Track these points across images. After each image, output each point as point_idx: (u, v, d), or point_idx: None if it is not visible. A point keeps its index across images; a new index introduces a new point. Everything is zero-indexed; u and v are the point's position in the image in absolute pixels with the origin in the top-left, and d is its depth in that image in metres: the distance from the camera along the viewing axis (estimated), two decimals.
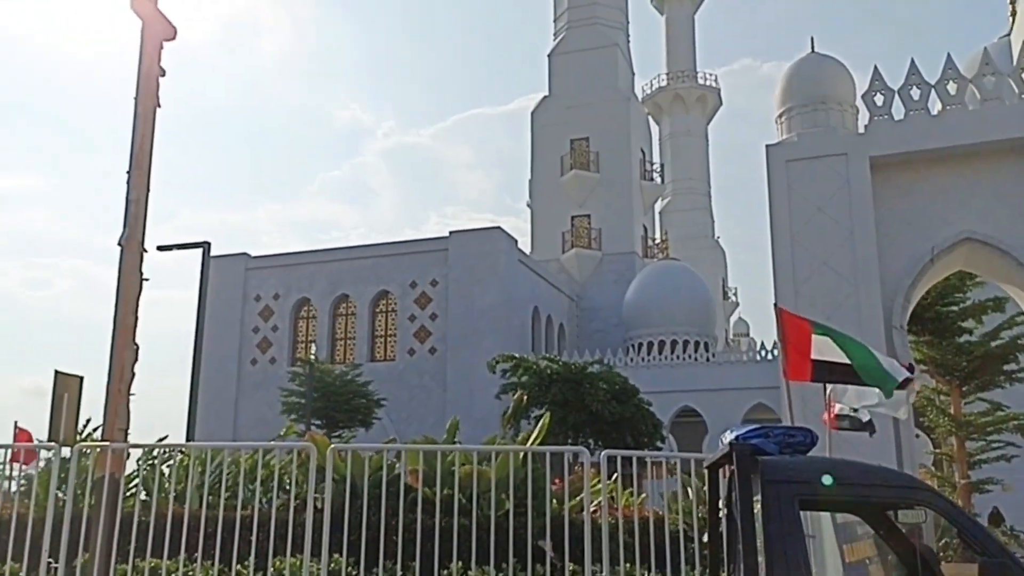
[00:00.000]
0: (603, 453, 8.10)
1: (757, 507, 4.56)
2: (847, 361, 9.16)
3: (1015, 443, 19.88)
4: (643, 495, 11.75)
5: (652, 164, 52.82)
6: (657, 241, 51.86)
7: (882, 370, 9.30)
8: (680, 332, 40.39)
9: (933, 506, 4.45)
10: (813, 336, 9.38)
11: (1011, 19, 23.39)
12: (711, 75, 61.12)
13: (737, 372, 35.94)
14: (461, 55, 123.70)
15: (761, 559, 4.33)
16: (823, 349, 9.38)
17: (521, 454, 9.98)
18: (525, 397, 19.60)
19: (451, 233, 39.44)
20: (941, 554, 12.86)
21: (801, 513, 4.67)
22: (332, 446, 8.17)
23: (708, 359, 37.34)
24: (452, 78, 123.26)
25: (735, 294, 59.48)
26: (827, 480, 4.43)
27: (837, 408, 11.55)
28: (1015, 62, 15.29)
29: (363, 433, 31.18)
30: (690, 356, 37.61)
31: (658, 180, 53.22)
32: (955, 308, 20.23)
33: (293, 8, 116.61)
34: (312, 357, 32.02)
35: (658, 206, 56.34)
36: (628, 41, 53.16)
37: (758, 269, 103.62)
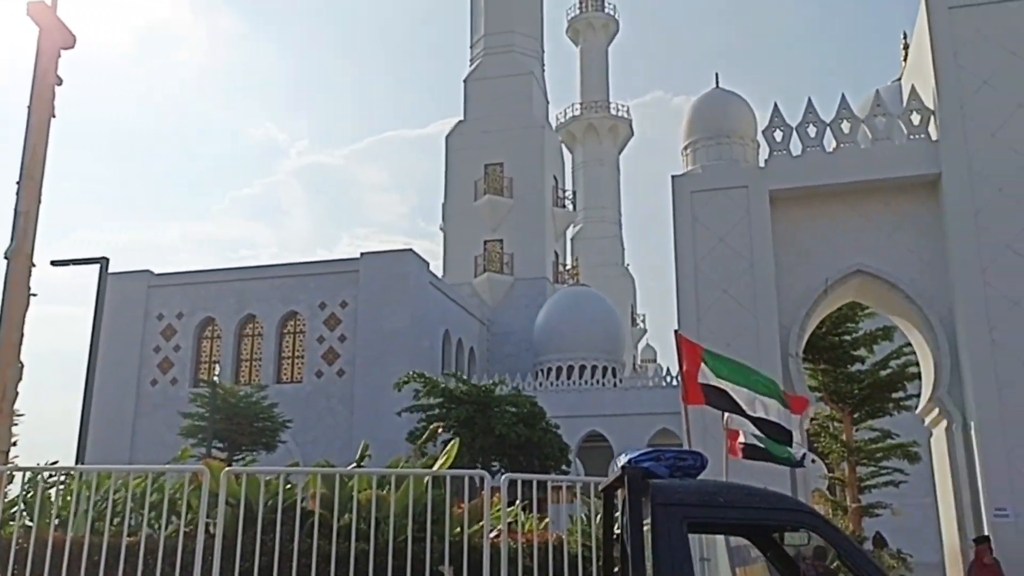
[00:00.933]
0: (504, 477, 8.10)
1: (647, 529, 4.65)
2: (728, 389, 9.42)
3: (902, 469, 20.73)
4: (546, 519, 11.80)
5: (565, 191, 53.55)
6: (568, 267, 52.46)
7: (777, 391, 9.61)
8: (589, 357, 40.85)
9: (815, 529, 4.59)
10: (702, 363, 9.66)
11: (904, 63, 24.64)
12: (623, 106, 62.47)
13: (643, 397, 36.50)
14: (379, 77, 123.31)
15: None
16: (709, 376, 9.67)
17: (425, 478, 9.89)
18: (440, 428, 19.37)
19: (362, 254, 39.11)
20: None
21: (690, 536, 4.77)
22: (227, 469, 7.95)
23: (615, 384, 37.83)
24: (369, 99, 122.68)
25: (643, 321, 60.54)
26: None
27: (742, 437, 11.76)
28: (905, 104, 16.08)
29: (267, 456, 30.45)
30: (598, 381, 38.04)
31: (570, 207, 53.96)
32: (848, 338, 21.08)
33: (212, 21, 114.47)
34: (215, 378, 31.18)
35: (570, 233, 57.06)
36: (543, 70, 53.92)
37: (666, 296, 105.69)
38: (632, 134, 62.55)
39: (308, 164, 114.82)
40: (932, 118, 15.52)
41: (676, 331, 10.42)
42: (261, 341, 39.60)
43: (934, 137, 15.42)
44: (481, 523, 9.01)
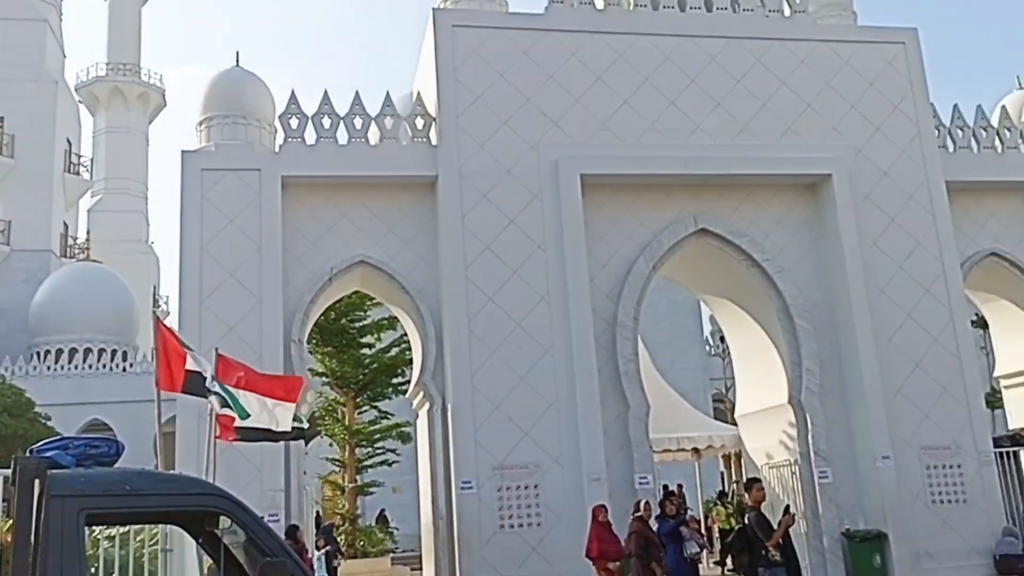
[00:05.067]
0: None
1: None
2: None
3: (395, 449, 22.27)
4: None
5: (80, 157, 48.63)
6: (80, 241, 47.67)
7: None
8: (95, 340, 37.55)
9: (227, 512, 4.60)
10: (187, 351, 9.34)
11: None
12: (156, 74, 58.54)
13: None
14: None
15: None
16: (196, 361, 9.40)
17: None
18: None
19: None
20: None
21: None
22: None
23: (125, 369, 35.26)
24: None
25: (167, 302, 57.32)
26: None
27: (238, 421, 11.53)
28: (412, 108, 17.16)
29: None
30: (104, 365, 35.12)
31: (86, 175, 49.12)
32: (357, 325, 22.09)
33: None
34: None
35: (85, 203, 51.93)
36: (61, 20, 48.36)
37: None
38: (165, 104, 58.89)
39: None
40: (434, 124, 16.78)
41: (154, 312, 9.91)
42: None
43: (434, 142, 16.69)
44: None
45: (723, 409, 34.88)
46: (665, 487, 16.56)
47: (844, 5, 18.72)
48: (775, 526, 10.99)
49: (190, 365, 9.40)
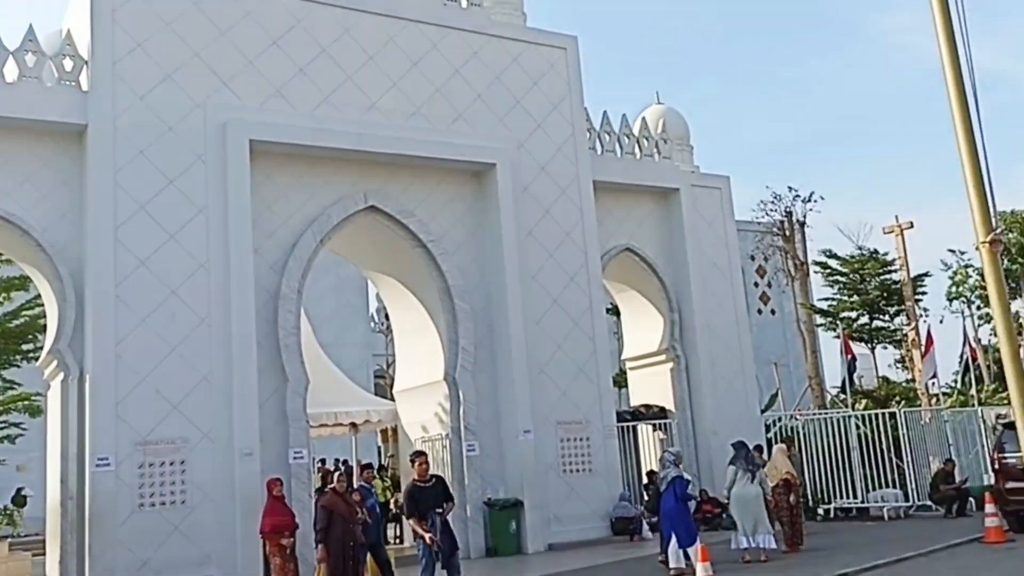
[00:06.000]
0: None
1: None
2: None
3: (24, 423, 20.05)
4: None
5: None
6: None
7: None
8: None
9: None
10: None
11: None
12: None
13: None
14: None
15: None
16: None
17: None
18: None
19: None
20: None
21: None
22: None
23: None
24: None
25: None
26: None
27: None
28: (60, 47, 15.42)
29: None
30: None
31: None
32: None
33: None
34: None
35: None
36: None
37: None
38: None
39: None
40: (85, 68, 15.23)
41: None
42: None
43: (85, 88, 15.16)
44: None
45: (384, 385, 35.58)
46: (368, 462, 16.60)
47: (515, 5, 19.75)
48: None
49: None
